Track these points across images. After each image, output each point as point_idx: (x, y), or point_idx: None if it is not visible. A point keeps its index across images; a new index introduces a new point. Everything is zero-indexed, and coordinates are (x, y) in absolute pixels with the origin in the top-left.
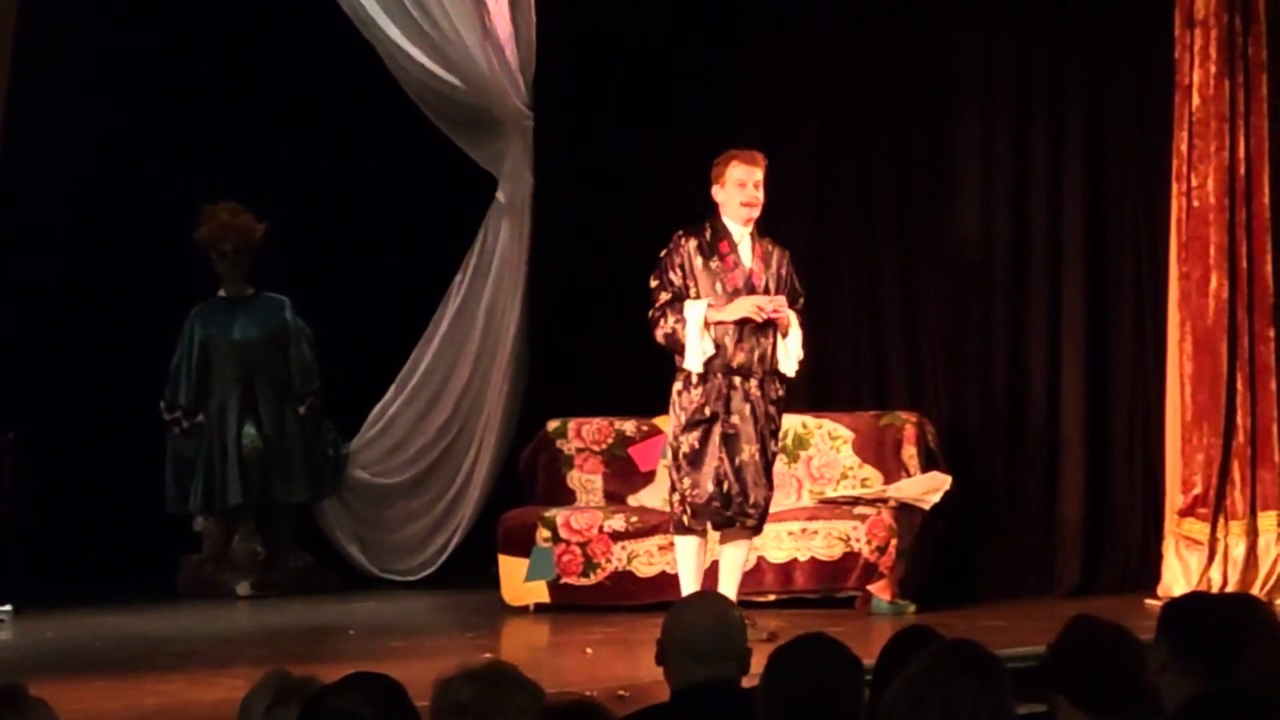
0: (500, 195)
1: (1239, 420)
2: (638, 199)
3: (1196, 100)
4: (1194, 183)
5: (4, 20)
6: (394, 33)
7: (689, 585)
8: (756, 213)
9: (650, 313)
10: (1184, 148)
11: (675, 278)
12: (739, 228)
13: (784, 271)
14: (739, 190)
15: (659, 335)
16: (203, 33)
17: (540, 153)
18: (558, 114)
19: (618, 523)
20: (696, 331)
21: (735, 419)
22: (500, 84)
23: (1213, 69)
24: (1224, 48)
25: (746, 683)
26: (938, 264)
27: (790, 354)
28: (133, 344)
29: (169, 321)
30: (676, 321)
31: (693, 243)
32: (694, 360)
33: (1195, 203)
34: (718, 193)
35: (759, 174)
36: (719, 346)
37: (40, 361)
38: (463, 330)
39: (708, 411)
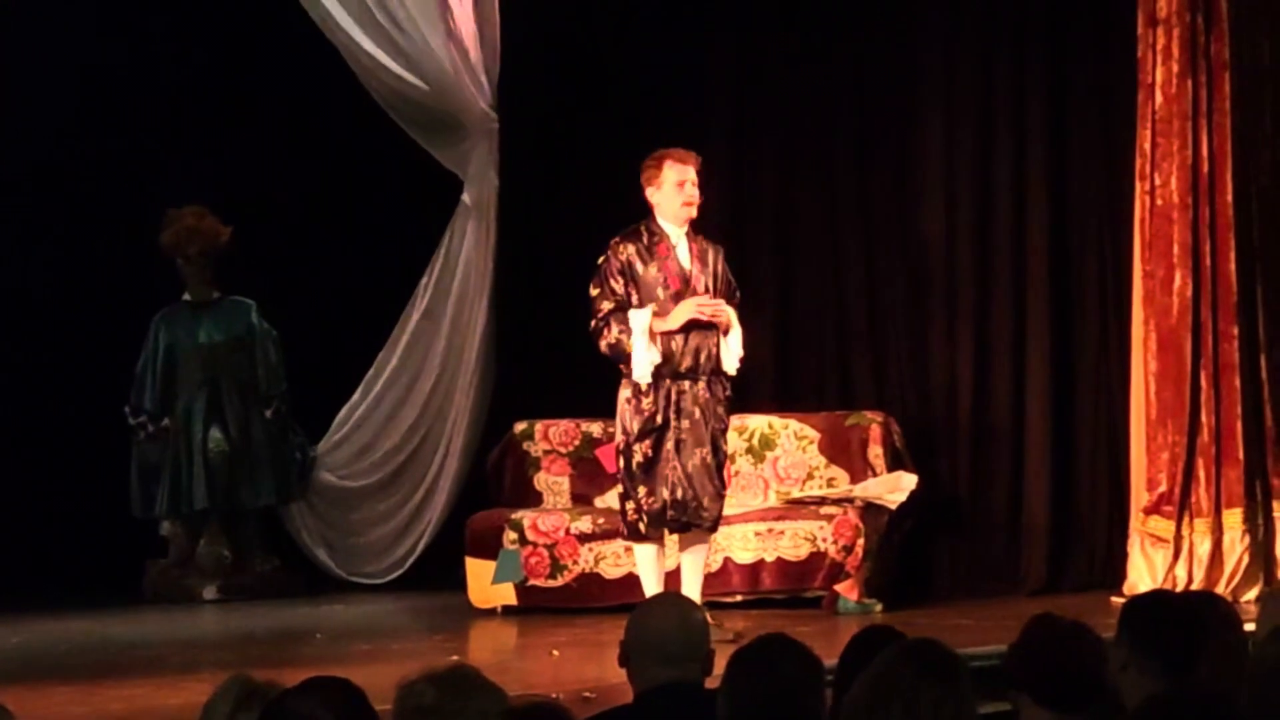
0: (466, 197)
1: (1203, 418)
2: (603, 201)
3: (1159, 99)
4: (1157, 181)
5: None
6: (358, 36)
7: (652, 591)
8: (695, 213)
9: (593, 323)
10: (1147, 146)
11: (617, 285)
12: (675, 229)
13: (719, 268)
14: (677, 191)
15: (603, 345)
16: (167, 37)
17: (505, 155)
18: (523, 116)
19: (585, 524)
20: (643, 342)
21: (685, 424)
22: (465, 86)
23: (1175, 67)
24: (1186, 46)
25: (710, 684)
26: (902, 263)
27: (732, 352)
28: (98, 348)
29: (134, 325)
30: (621, 331)
31: (631, 248)
32: (641, 371)
33: (1159, 201)
34: (652, 194)
35: (693, 173)
36: (666, 354)
37: (4, 365)
38: (429, 333)
39: (659, 420)
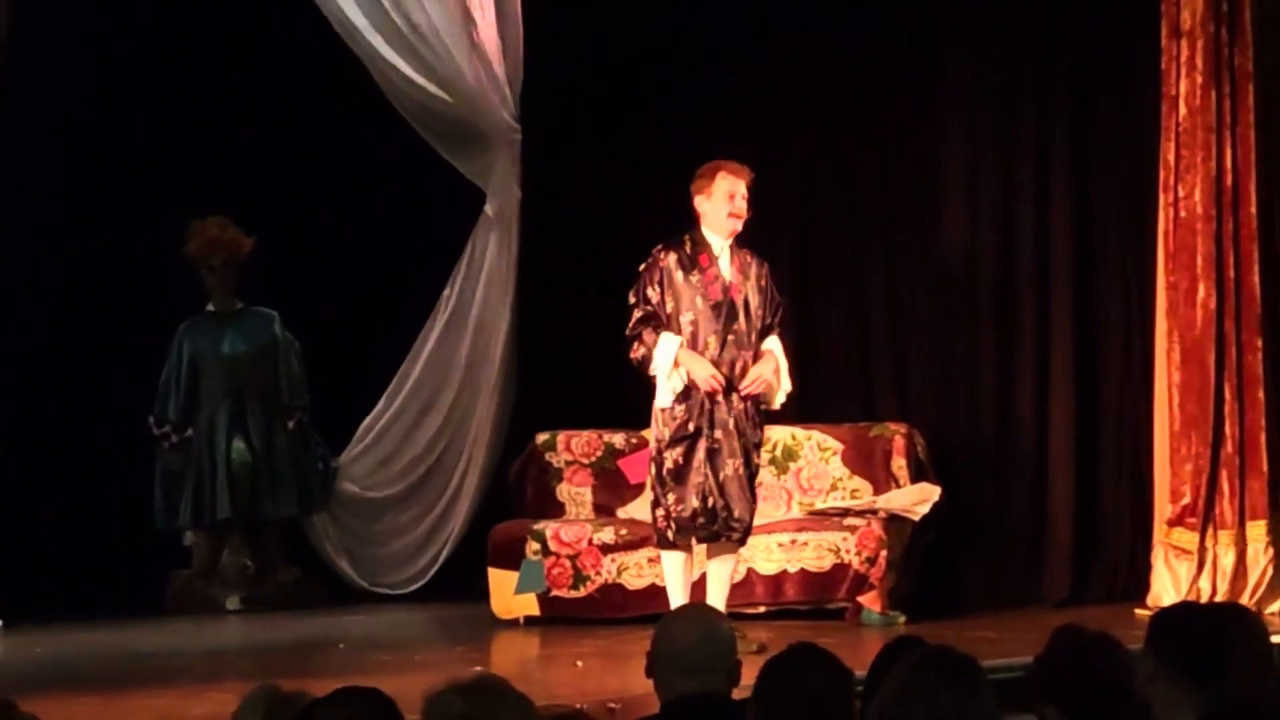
0: (488, 208)
1: (1227, 430)
2: (625, 212)
3: (1183, 110)
4: (1181, 193)
5: None
6: (381, 46)
7: (677, 600)
8: (741, 225)
9: (627, 330)
10: (1171, 158)
11: (653, 294)
12: (720, 240)
13: (764, 283)
14: (727, 202)
15: (632, 357)
16: (189, 47)
17: (528, 166)
18: (545, 127)
19: (607, 535)
20: (665, 372)
21: (719, 434)
22: (488, 97)
23: (1199, 79)
24: (1210, 58)
25: (736, 695)
26: (925, 275)
27: (777, 388)
28: (122, 359)
29: (158, 336)
30: (648, 352)
31: (672, 256)
32: (664, 398)
33: (1182, 213)
34: (702, 203)
35: (744, 187)
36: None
37: (29, 377)
38: (451, 343)
39: (691, 427)
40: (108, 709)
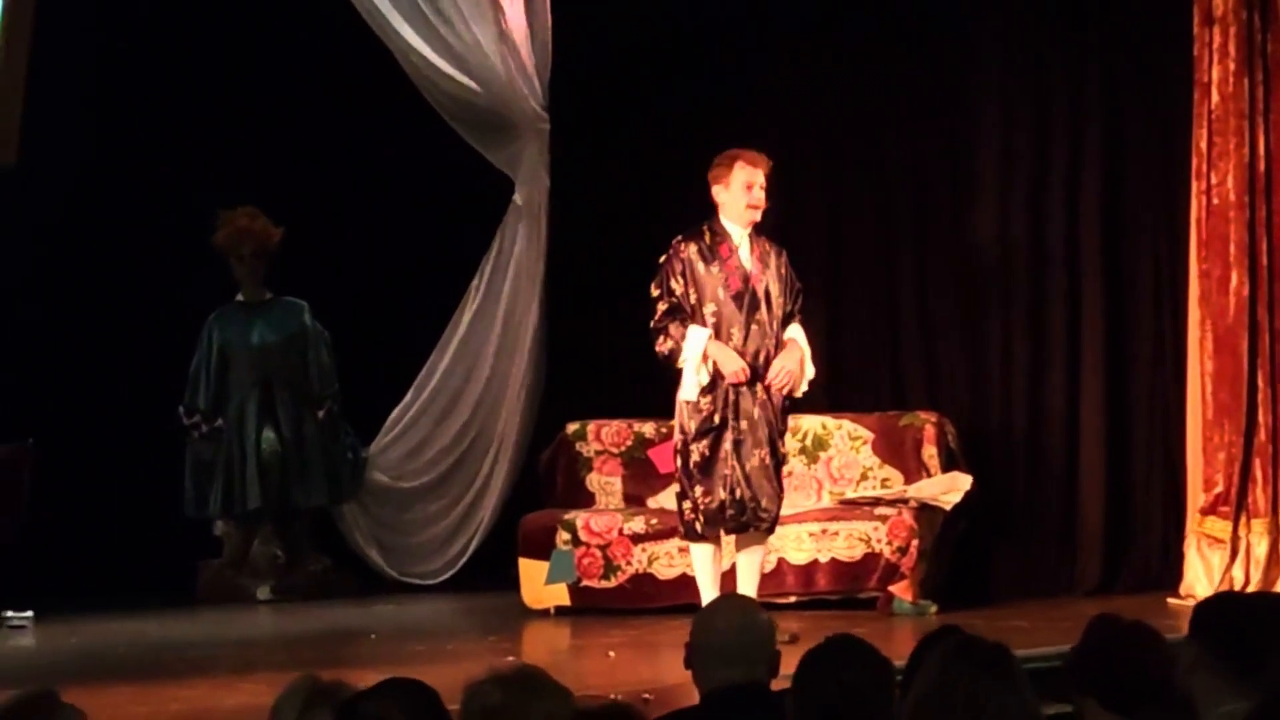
0: (517, 198)
1: (1260, 418)
2: (654, 201)
3: (1216, 98)
4: (1214, 180)
5: (21, 24)
6: (410, 35)
7: (708, 591)
8: (759, 215)
9: (652, 324)
10: (1203, 145)
11: (676, 286)
12: (739, 229)
13: (784, 271)
14: (745, 193)
15: (658, 349)
16: (219, 36)
17: (557, 155)
18: (574, 116)
19: (637, 525)
20: (693, 366)
21: (744, 424)
22: (516, 87)
23: (1232, 66)
24: (1243, 45)
25: (776, 685)
26: (956, 263)
27: (802, 377)
28: (152, 349)
29: (188, 326)
30: (675, 345)
31: (692, 248)
32: (690, 391)
33: (1215, 200)
34: (719, 193)
35: (762, 176)
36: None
37: (59, 367)
38: (481, 333)
39: (717, 419)
40: (141, 699)
